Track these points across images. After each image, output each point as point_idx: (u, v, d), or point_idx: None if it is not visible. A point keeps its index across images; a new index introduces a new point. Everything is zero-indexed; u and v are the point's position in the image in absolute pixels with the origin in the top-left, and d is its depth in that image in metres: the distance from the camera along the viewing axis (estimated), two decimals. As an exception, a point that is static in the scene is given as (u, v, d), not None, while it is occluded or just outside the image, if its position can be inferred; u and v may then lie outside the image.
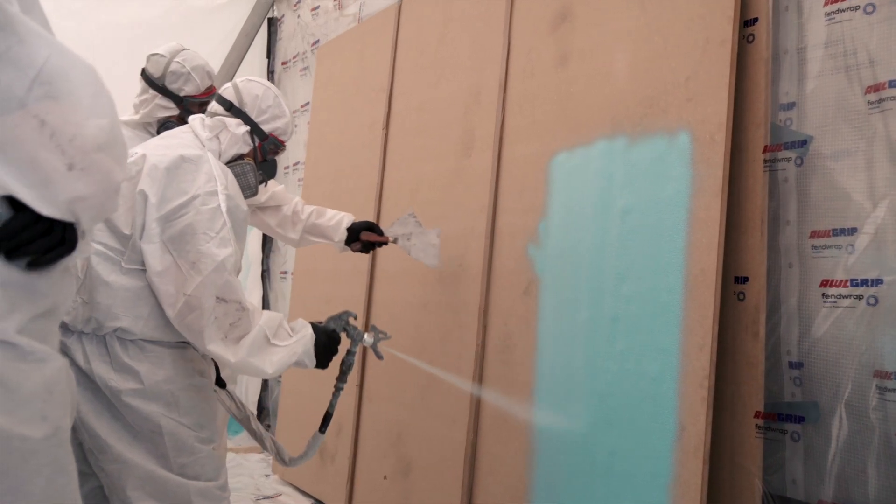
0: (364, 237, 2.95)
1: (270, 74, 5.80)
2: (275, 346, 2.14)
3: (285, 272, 5.32)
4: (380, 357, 2.50)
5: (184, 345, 2.14)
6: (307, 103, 5.07)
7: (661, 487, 2.17)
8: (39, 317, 1.23)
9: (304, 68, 5.36)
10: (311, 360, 2.22)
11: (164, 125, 2.87)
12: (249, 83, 2.39)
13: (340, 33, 4.64)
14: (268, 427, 5.28)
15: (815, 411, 2.15)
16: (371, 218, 3.59)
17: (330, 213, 2.96)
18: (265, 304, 5.55)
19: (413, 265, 3.06)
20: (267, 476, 4.31)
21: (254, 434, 2.43)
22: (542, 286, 2.69)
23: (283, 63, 5.69)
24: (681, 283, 2.22)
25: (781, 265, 2.25)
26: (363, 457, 3.53)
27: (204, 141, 2.23)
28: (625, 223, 2.42)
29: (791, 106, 2.27)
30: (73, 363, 2.01)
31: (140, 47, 3.11)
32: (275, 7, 5.78)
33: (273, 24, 5.83)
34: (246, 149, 2.32)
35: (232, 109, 2.33)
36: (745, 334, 2.22)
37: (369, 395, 3.53)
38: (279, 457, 2.48)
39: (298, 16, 5.48)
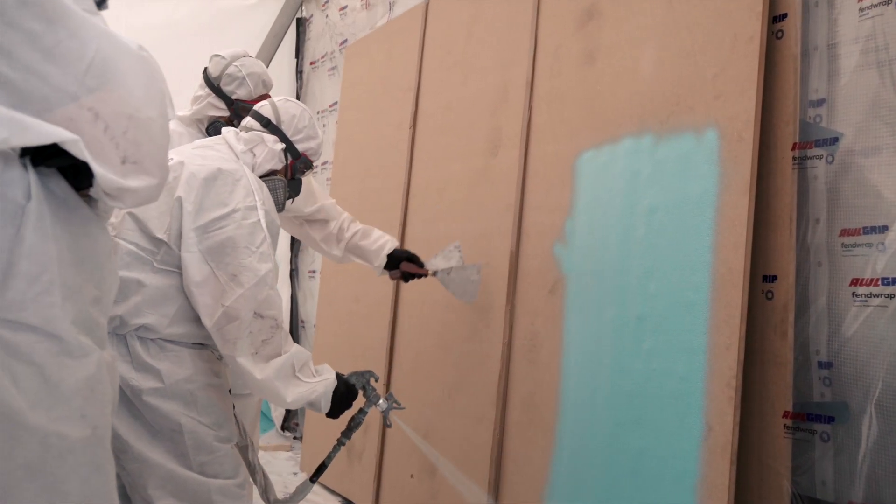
0: (404, 268, 2.96)
1: (299, 74, 5.84)
2: (298, 379, 2.16)
3: (314, 271, 5.35)
4: (388, 425, 2.48)
5: (202, 345, 2.17)
6: (335, 103, 5.09)
7: (688, 488, 2.15)
8: (89, 307, 1.22)
9: (333, 68, 5.39)
10: (327, 405, 2.23)
11: (213, 125, 2.95)
12: (287, 103, 2.44)
13: (368, 33, 4.66)
14: (296, 426, 5.32)
15: (845, 411, 2.12)
16: (398, 217, 3.60)
17: (375, 235, 2.96)
18: (293, 304, 5.58)
19: (439, 264, 3.07)
20: (295, 474, 4.34)
21: (248, 464, 2.42)
22: (568, 285, 2.68)
23: (312, 63, 5.72)
24: (708, 282, 2.20)
25: (811, 264, 2.22)
26: (390, 455, 3.54)
27: (238, 154, 2.26)
28: (651, 221, 2.40)
29: (821, 103, 2.24)
30: None
31: (169, 48, 3.16)
32: (303, 7, 5.82)
33: (302, 24, 5.87)
34: (279, 165, 2.36)
35: (269, 126, 2.37)
36: (773, 334, 2.20)
37: (396, 394, 3.51)
38: (265, 494, 2.45)
39: (327, 16, 5.51)
